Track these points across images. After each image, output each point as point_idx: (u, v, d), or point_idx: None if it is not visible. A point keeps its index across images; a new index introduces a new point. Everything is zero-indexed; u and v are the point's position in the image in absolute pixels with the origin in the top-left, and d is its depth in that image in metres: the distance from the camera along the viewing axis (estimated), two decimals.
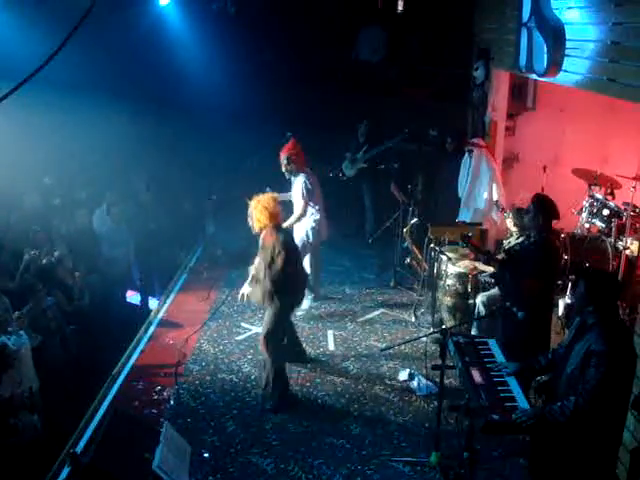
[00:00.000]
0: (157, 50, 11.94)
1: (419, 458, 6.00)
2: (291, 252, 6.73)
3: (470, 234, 7.07)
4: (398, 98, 13.09)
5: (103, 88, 11.45)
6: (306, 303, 8.69)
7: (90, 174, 11.92)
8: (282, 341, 7.06)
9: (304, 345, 7.97)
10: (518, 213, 7.22)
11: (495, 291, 7.25)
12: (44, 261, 8.74)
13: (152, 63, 12.08)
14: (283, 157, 8.51)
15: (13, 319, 7.09)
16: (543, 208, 6.33)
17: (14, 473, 6.09)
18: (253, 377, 7.39)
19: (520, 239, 7.17)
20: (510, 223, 7.38)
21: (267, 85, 13.08)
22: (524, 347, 6.08)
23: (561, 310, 7.56)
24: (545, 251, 6.34)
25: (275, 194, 7.05)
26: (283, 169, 8.58)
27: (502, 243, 7.59)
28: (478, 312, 7.30)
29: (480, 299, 7.34)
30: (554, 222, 6.57)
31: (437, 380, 6.03)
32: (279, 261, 6.54)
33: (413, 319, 8.79)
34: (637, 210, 8.10)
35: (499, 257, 6.87)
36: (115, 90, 11.72)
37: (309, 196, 8.48)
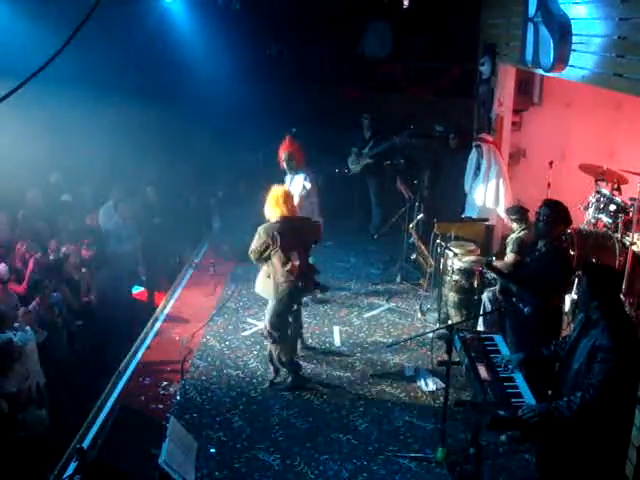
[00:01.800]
0: (163, 46, 11.97)
1: (425, 454, 6.00)
2: (284, 242, 6.79)
3: (492, 259, 7.22)
4: (404, 94, 13.06)
5: (109, 84, 11.47)
6: None
7: (96, 170, 11.96)
8: (286, 332, 7.16)
9: (309, 341, 8.05)
10: (514, 211, 7.27)
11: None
12: (52, 257, 8.77)
13: (158, 59, 12.10)
14: (284, 154, 8.57)
15: (19, 315, 7.13)
16: (557, 216, 6.16)
17: (22, 467, 6.12)
18: (259, 373, 7.40)
19: (521, 233, 7.17)
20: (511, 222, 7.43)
21: (273, 80, 13.09)
22: (530, 342, 6.05)
23: (567, 306, 7.52)
24: (561, 263, 6.23)
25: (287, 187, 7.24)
26: (285, 166, 8.64)
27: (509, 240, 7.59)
28: (484, 308, 7.29)
29: (486, 295, 7.33)
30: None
31: (443, 376, 6.03)
32: (256, 245, 6.87)
33: (419, 315, 8.78)
34: None
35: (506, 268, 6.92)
36: (121, 86, 11.75)
37: (308, 193, 8.58)
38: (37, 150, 10.73)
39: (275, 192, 6.94)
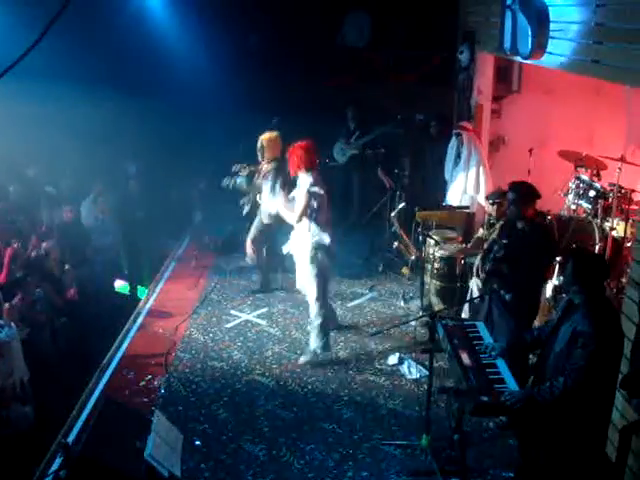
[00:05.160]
0: (141, 37, 11.86)
1: (410, 441, 6.03)
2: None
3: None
4: (384, 83, 13.06)
5: (87, 77, 11.39)
6: None
7: (74, 164, 11.88)
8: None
9: (293, 332, 8.10)
10: (498, 195, 7.25)
11: None
12: (33, 253, 8.71)
13: (136, 51, 12.00)
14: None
15: (3, 311, 7.08)
16: (523, 195, 6.14)
17: (7, 464, 6.10)
18: (243, 364, 7.40)
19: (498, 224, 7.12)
20: (491, 209, 7.40)
21: (253, 71, 13.03)
22: (514, 329, 6.10)
23: (548, 292, 7.58)
24: (545, 239, 6.24)
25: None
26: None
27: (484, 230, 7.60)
28: (472, 295, 7.31)
29: (474, 281, 7.34)
30: (537, 201, 6.48)
31: (427, 363, 6.05)
32: None
33: (402, 303, 8.81)
34: (623, 191, 8.14)
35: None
36: (99, 78, 11.66)
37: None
38: (14, 144, 10.65)
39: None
